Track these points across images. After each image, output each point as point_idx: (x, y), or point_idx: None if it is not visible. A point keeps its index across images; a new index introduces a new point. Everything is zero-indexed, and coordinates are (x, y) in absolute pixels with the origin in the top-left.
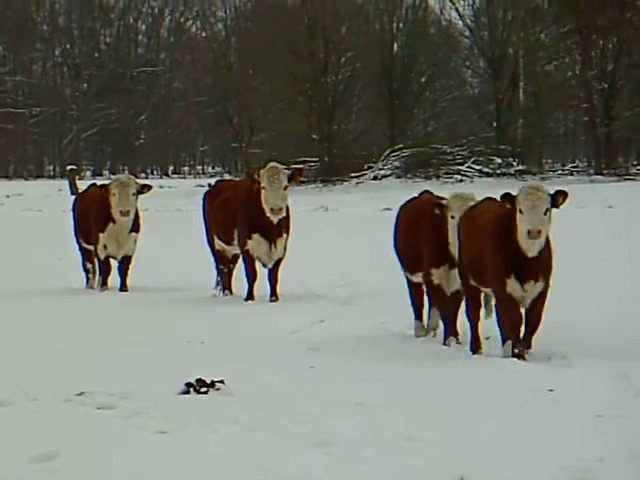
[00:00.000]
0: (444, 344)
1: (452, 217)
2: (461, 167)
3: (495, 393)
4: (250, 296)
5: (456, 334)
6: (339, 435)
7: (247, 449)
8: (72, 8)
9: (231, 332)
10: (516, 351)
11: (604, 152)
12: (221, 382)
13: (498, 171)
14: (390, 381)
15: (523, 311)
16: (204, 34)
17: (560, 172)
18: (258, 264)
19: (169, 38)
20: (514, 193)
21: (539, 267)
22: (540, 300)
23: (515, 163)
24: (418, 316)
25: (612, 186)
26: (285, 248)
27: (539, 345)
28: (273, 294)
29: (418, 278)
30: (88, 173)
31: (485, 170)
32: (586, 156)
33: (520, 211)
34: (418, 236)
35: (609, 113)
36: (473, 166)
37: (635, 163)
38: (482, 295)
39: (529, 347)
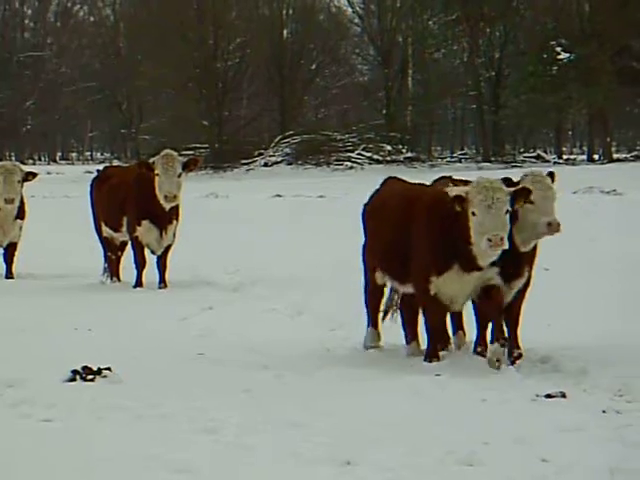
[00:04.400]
0: (426, 361)
1: (473, 214)
2: (351, 154)
3: (382, 380)
4: (139, 283)
5: (438, 357)
6: (226, 422)
7: (134, 436)
8: None
9: (119, 319)
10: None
11: (491, 139)
12: (108, 369)
13: (388, 158)
14: (278, 368)
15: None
16: (92, 19)
17: (448, 159)
18: (147, 251)
19: (56, 22)
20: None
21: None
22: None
23: (404, 150)
24: (373, 322)
25: (499, 173)
26: (174, 235)
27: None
28: (162, 281)
29: (410, 288)
30: None
31: (375, 157)
32: (474, 143)
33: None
34: (413, 236)
35: (496, 101)
36: (363, 153)
37: (522, 150)
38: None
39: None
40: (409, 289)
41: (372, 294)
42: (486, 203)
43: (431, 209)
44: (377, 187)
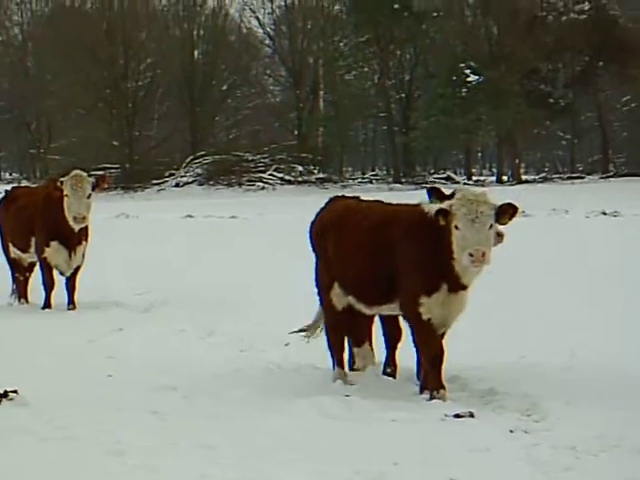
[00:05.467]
0: (430, 398)
1: (456, 227)
2: (263, 175)
3: (292, 401)
4: (47, 304)
5: (443, 386)
6: (134, 444)
7: (40, 460)
8: None
9: (27, 341)
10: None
11: (402, 160)
12: (14, 392)
13: (300, 179)
14: (187, 389)
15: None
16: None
17: (360, 180)
18: (56, 272)
19: None
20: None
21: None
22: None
23: (316, 171)
24: (339, 362)
25: (410, 194)
26: (84, 256)
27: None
28: (71, 302)
29: (378, 310)
30: None
31: (287, 178)
32: (385, 164)
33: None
34: (393, 254)
35: (407, 122)
36: (275, 174)
37: (432, 171)
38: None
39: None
40: (375, 312)
41: (333, 330)
42: (470, 217)
43: (412, 227)
44: (323, 206)
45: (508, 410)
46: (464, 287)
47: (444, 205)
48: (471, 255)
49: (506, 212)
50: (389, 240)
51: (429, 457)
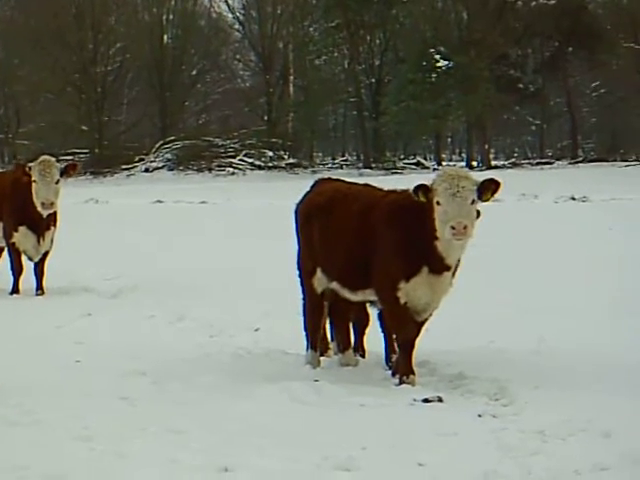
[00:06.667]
0: (399, 383)
1: (438, 203)
2: (233, 160)
3: (261, 386)
4: (15, 290)
5: (413, 372)
6: (103, 429)
7: (8, 445)
8: None
9: None
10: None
11: (372, 146)
12: None
13: (270, 164)
14: (156, 374)
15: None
16: None
17: (330, 165)
18: (24, 257)
19: None
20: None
21: None
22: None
23: (286, 156)
24: (312, 344)
25: (380, 179)
26: (52, 241)
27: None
28: (39, 287)
29: (363, 296)
30: None
31: (257, 163)
32: (355, 150)
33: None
34: (372, 237)
35: (377, 107)
36: (245, 159)
37: (402, 157)
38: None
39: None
40: (359, 297)
41: (311, 313)
42: (451, 191)
43: (393, 209)
44: (308, 189)
45: (477, 394)
46: (448, 267)
47: (424, 181)
48: (453, 228)
49: (488, 188)
50: (371, 224)
51: (398, 442)
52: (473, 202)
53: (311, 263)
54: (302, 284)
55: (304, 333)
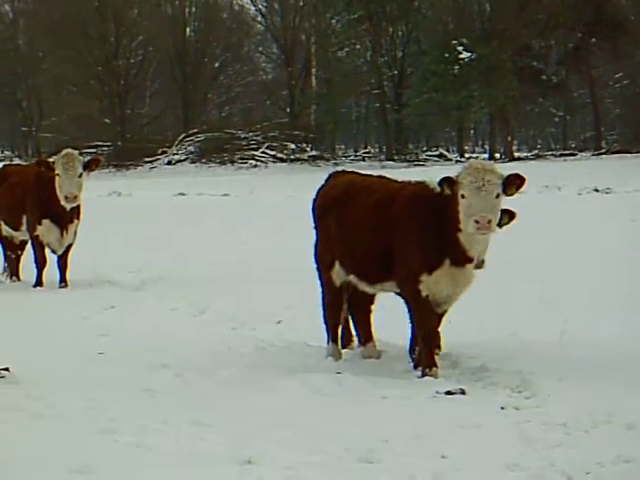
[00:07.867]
0: (422, 375)
1: (463, 197)
2: (255, 152)
3: (283, 378)
4: (39, 282)
5: (436, 364)
6: (126, 421)
7: (32, 437)
8: None
9: (19, 319)
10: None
11: (394, 138)
12: (6, 369)
13: (292, 157)
14: (179, 367)
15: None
16: None
17: (352, 158)
18: (47, 250)
19: None
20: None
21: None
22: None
23: (308, 149)
24: (333, 337)
25: (402, 171)
26: (75, 234)
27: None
28: (63, 280)
29: (381, 289)
30: None
31: (279, 155)
32: (378, 142)
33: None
34: (392, 230)
35: (399, 99)
36: (267, 151)
37: (425, 149)
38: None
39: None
40: (378, 290)
41: (330, 306)
42: (476, 184)
43: (414, 201)
44: (323, 182)
45: (499, 387)
46: (470, 260)
47: (450, 174)
48: (477, 222)
49: (513, 183)
50: (391, 216)
51: (420, 434)
52: (498, 196)
53: (329, 256)
54: (320, 277)
55: (324, 326)
